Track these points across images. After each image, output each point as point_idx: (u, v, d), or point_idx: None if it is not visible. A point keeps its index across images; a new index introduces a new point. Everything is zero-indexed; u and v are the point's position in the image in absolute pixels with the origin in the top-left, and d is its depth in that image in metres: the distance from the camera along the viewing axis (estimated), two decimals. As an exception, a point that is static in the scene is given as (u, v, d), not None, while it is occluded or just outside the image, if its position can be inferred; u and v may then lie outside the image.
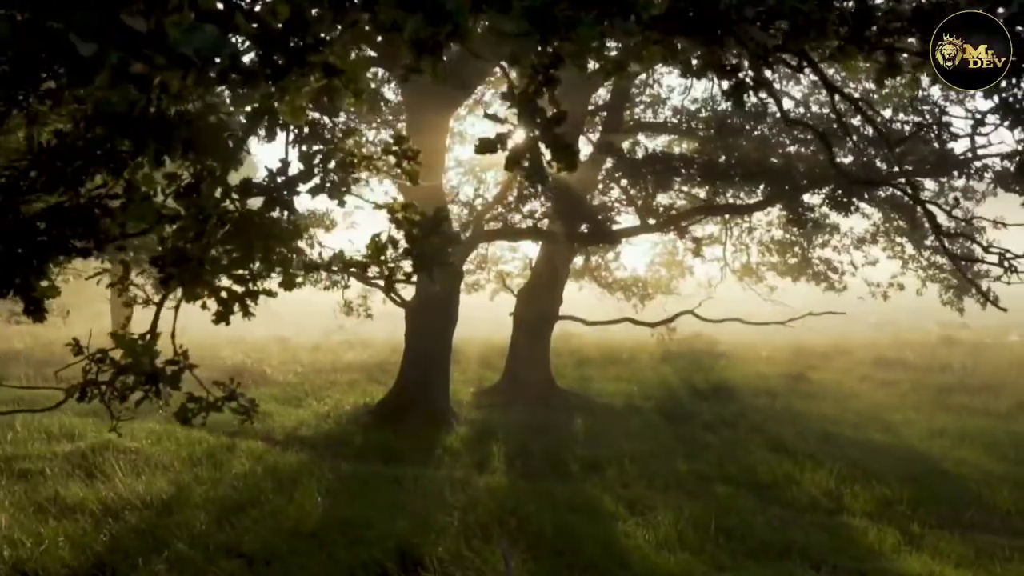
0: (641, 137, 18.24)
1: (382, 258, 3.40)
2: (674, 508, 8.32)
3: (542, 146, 2.48)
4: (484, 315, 20.92)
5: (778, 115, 11.12)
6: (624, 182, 11.83)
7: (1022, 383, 15.65)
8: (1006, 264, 10.75)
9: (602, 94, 15.87)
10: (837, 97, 5.53)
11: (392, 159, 3.37)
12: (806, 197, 13.17)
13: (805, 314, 16.00)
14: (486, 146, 2.53)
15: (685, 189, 12.35)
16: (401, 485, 8.71)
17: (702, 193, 12.58)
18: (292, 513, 7.74)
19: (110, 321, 21.63)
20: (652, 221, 11.68)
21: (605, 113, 14.86)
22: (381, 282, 12.55)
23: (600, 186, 13.10)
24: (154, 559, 6.48)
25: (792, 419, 13.24)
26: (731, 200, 13.25)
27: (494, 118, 2.60)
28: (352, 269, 3.56)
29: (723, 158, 11.30)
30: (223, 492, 8.49)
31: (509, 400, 14.23)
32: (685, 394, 15.48)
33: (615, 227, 12.09)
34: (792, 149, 12.58)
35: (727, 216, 17.59)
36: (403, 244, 3.37)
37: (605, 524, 7.72)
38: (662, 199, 12.73)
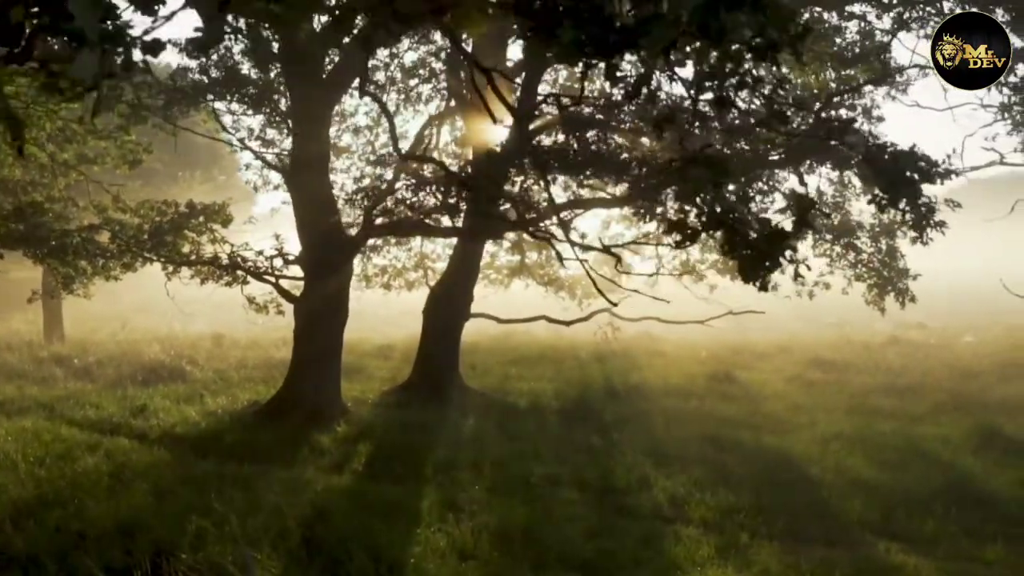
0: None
1: None
2: (497, 514, 8.04)
3: None
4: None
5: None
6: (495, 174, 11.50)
7: (947, 386, 15.13)
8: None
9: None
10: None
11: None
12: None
13: (725, 313, 15.59)
14: None
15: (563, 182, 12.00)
16: (221, 487, 8.48)
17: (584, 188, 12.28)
18: (90, 515, 7.54)
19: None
20: (530, 215, 11.38)
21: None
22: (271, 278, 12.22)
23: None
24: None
25: (692, 421, 12.85)
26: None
27: None
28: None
29: (583, 149, 10.97)
30: (38, 491, 8.32)
31: (411, 399, 13.97)
32: (600, 394, 15.12)
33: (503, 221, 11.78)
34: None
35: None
36: None
37: (406, 530, 7.46)
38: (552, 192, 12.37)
